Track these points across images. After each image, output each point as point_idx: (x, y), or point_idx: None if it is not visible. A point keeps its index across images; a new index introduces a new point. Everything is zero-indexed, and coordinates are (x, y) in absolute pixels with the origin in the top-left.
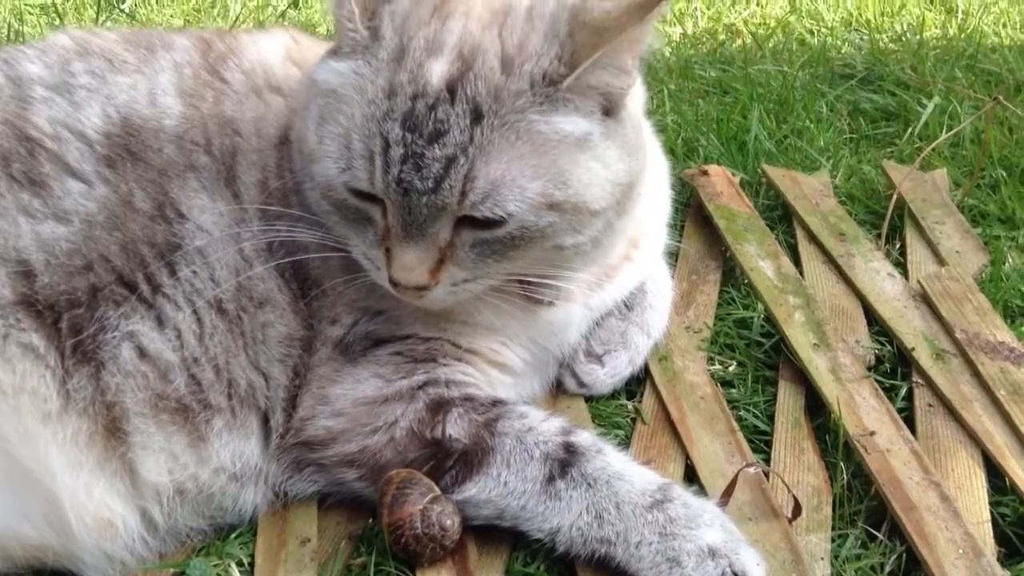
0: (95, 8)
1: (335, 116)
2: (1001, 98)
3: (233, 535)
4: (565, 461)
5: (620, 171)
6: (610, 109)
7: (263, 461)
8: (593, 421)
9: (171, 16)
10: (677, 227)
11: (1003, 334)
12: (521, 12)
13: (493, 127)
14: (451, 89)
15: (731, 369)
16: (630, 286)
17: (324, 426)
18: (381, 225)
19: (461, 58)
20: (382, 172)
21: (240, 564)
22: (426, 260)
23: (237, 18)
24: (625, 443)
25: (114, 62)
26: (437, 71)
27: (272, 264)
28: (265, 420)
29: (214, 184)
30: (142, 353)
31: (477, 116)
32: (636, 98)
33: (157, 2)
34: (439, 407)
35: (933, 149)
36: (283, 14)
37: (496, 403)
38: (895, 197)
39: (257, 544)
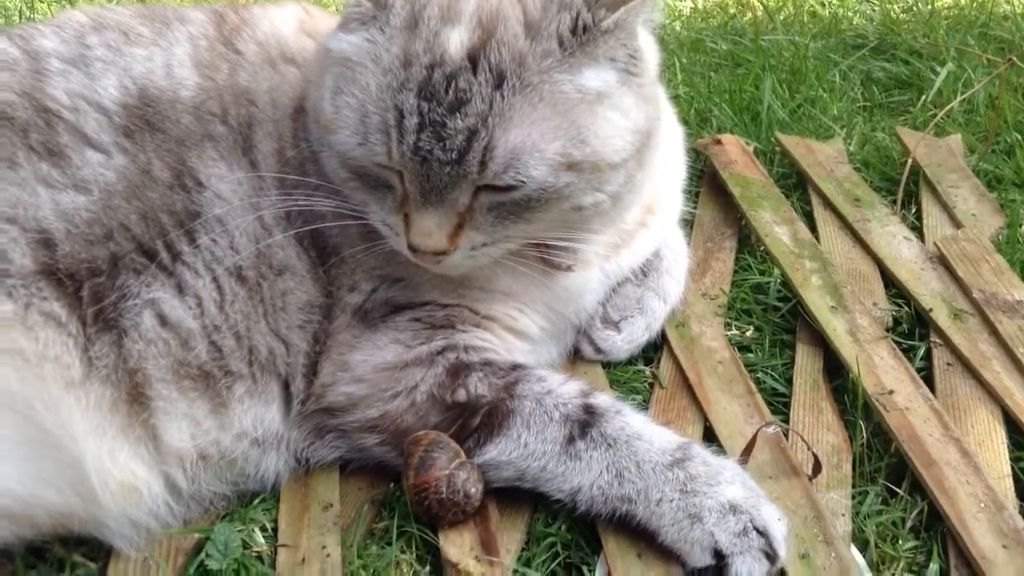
0: None
1: (350, 87)
2: (1015, 59)
3: (256, 501)
4: (585, 422)
5: (638, 118)
6: (634, 50)
7: (284, 427)
8: (611, 387)
9: None
10: (692, 196)
11: (1021, 293)
12: None
13: (515, 92)
14: (472, 58)
15: (748, 334)
16: (646, 252)
17: (345, 392)
18: (400, 191)
19: (481, 26)
20: (397, 144)
21: (264, 529)
22: (445, 225)
23: None
24: (643, 407)
25: (129, 35)
26: (456, 40)
27: (291, 232)
28: (286, 386)
29: (232, 153)
30: (163, 320)
31: (499, 83)
32: (650, 50)
33: None
34: (459, 371)
35: (948, 115)
36: None
37: (515, 367)
38: (910, 162)
39: (280, 510)
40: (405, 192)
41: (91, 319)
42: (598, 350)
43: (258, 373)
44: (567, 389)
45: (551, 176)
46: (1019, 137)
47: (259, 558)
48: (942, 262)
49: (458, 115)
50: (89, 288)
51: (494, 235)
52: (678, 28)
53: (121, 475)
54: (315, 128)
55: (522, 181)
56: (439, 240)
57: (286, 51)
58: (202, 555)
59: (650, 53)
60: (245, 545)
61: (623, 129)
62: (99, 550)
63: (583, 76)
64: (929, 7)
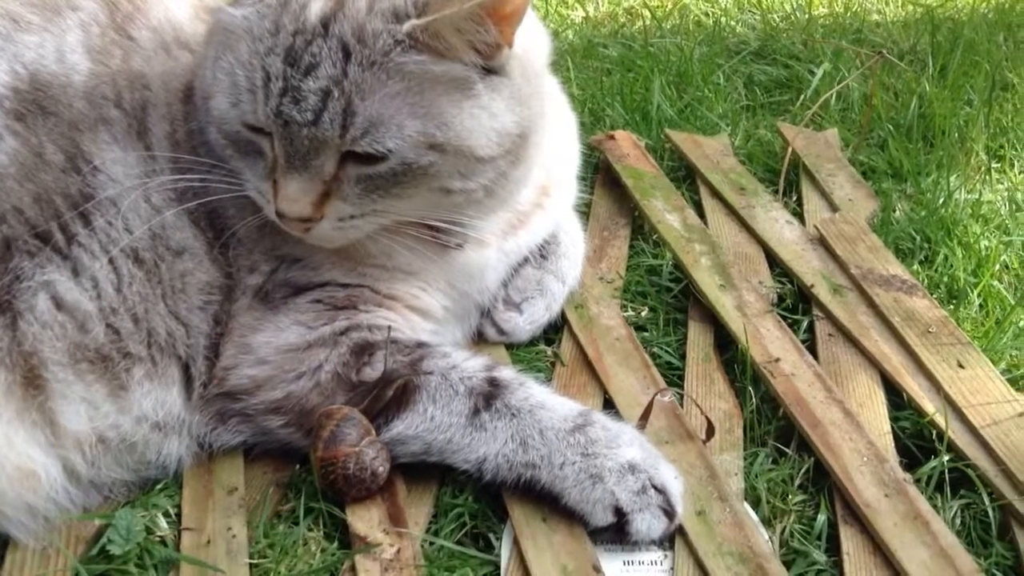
0: None
1: (227, 54)
2: (885, 52)
3: (159, 487)
4: (490, 394)
5: (508, 122)
6: (489, 59)
7: (186, 411)
8: (514, 366)
9: None
10: (588, 188)
11: (895, 268)
12: None
13: (363, 65)
14: (325, 24)
15: (644, 314)
16: (543, 233)
17: (248, 374)
18: (270, 157)
19: None
20: (263, 104)
21: (167, 515)
22: (310, 192)
23: None
24: (547, 385)
25: (19, 22)
26: (315, 8)
27: (184, 211)
28: (187, 369)
29: (126, 137)
30: (59, 303)
31: (347, 52)
32: (532, 47)
33: None
34: (363, 350)
35: (825, 112)
36: None
37: (420, 344)
38: (790, 152)
39: (183, 495)
40: (275, 158)
41: None
42: (501, 332)
43: (157, 355)
44: (472, 364)
45: (412, 152)
46: (891, 130)
47: (163, 542)
48: (822, 243)
49: (310, 78)
50: None
51: (362, 207)
52: (571, 36)
53: (18, 459)
54: (199, 101)
55: (380, 151)
56: (304, 207)
57: (180, 36)
58: (103, 540)
59: (533, 48)
60: (148, 531)
61: (490, 129)
62: None
63: (423, 61)
64: (806, 15)
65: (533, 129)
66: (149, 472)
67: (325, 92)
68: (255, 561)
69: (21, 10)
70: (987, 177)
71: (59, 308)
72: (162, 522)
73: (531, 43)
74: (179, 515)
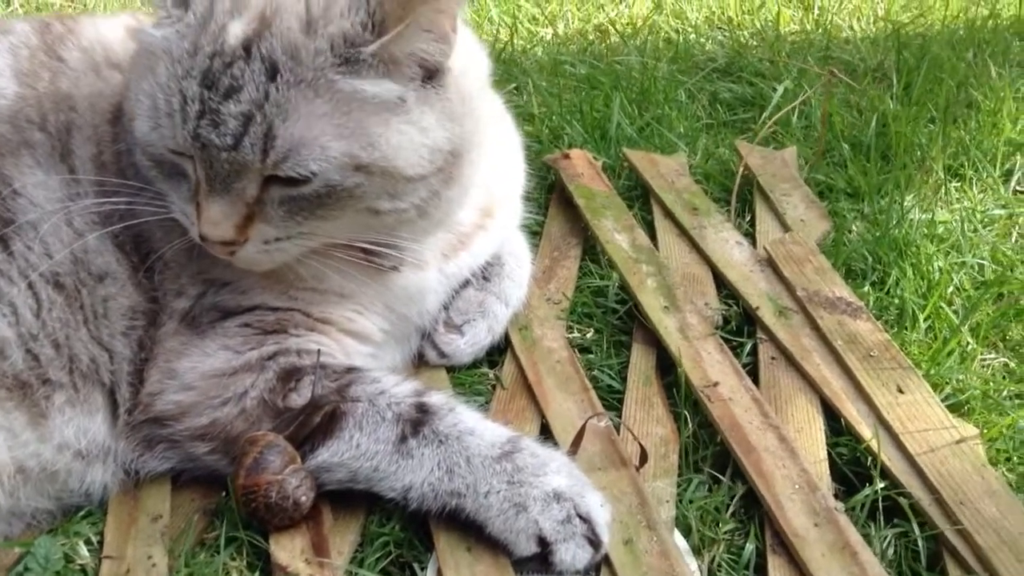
0: None
1: (148, 76)
2: (835, 71)
3: (82, 514)
4: (418, 420)
5: (439, 138)
6: (429, 75)
7: (111, 438)
8: (454, 389)
9: None
10: (542, 208)
11: (841, 290)
12: None
13: (290, 85)
14: (247, 47)
15: (588, 335)
16: (485, 255)
17: (173, 400)
18: (193, 180)
19: (261, 18)
20: (181, 128)
21: (88, 543)
22: (232, 215)
23: None
24: (485, 409)
25: None
26: (235, 30)
27: (108, 235)
28: (111, 395)
29: (48, 160)
30: None
31: (273, 74)
32: (468, 66)
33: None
34: (290, 375)
35: (786, 129)
36: None
37: (350, 370)
38: (742, 170)
39: (107, 522)
40: (197, 180)
41: None
42: (441, 354)
43: (79, 382)
44: (401, 389)
45: (336, 174)
46: (850, 150)
47: (83, 571)
48: (770, 264)
49: (231, 102)
50: None
51: (288, 230)
52: (539, 53)
53: None
54: (127, 123)
55: (303, 174)
56: (226, 230)
57: (111, 57)
58: (19, 568)
59: (469, 68)
60: (68, 559)
61: (419, 145)
62: None
63: (361, 83)
64: (775, 33)
65: (467, 148)
66: (72, 500)
67: (247, 116)
68: None
69: None
70: (945, 196)
71: None
72: (83, 550)
73: (468, 61)
74: (101, 542)
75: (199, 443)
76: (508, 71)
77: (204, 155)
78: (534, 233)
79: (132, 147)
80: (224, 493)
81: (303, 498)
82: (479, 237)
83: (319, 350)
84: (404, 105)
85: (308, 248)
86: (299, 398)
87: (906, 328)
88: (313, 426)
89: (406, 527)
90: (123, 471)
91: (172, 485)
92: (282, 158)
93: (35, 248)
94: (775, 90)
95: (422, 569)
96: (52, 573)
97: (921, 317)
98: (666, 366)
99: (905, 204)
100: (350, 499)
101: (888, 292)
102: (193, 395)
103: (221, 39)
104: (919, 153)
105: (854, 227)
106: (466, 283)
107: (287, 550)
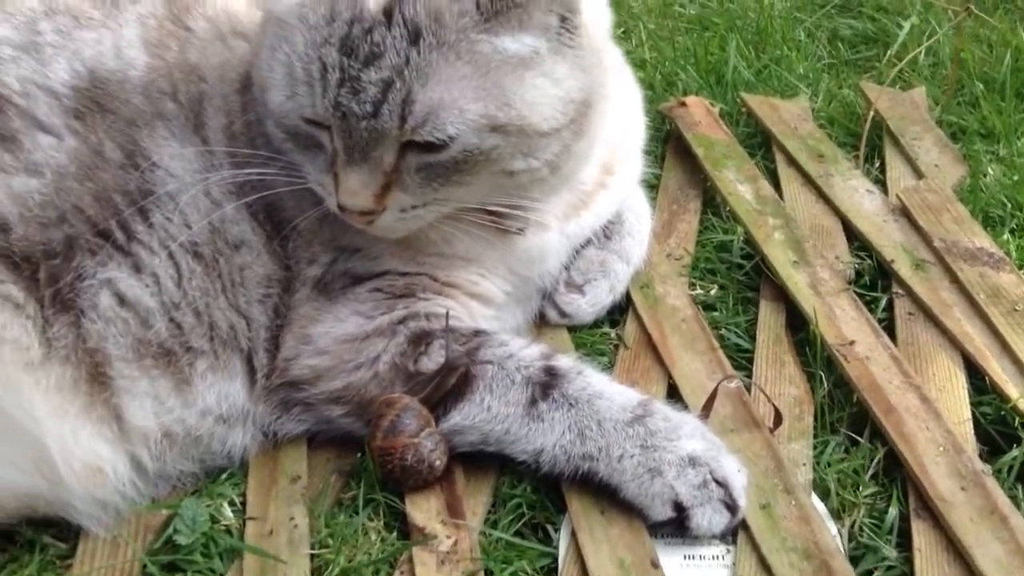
0: None
1: (282, 45)
2: (972, 7)
3: (224, 476)
4: (547, 384)
5: (572, 88)
6: (563, 23)
7: (250, 402)
8: (577, 350)
9: None
10: (658, 159)
11: (981, 240)
12: None
13: (432, 48)
14: (387, 12)
15: (713, 292)
16: (607, 214)
17: (308, 365)
18: (330, 150)
19: None
20: (320, 97)
21: (232, 503)
22: (371, 184)
23: None
24: (609, 369)
25: (80, 19)
26: None
27: (243, 205)
28: (249, 361)
29: (183, 131)
30: (121, 300)
31: (415, 38)
32: (595, 15)
33: None
34: (420, 339)
35: (913, 69)
36: None
37: (477, 333)
38: (871, 115)
39: (248, 483)
40: (334, 151)
41: (48, 301)
42: (563, 314)
43: (219, 348)
44: (529, 352)
45: (474, 136)
46: (983, 88)
47: (228, 531)
48: (904, 213)
49: (372, 68)
50: (45, 270)
51: (424, 197)
52: None
53: (85, 456)
54: (257, 93)
55: (442, 139)
56: (366, 200)
57: (236, 26)
58: (170, 530)
59: (595, 19)
60: (213, 520)
61: (553, 97)
62: (68, 531)
63: (504, 39)
64: None
65: (596, 98)
66: (215, 462)
67: (386, 82)
68: (316, 551)
69: (83, 6)
70: None
71: (121, 304)
72: (227, 511)
73: (594, 11)
74: (244, 503)
75: (334, 406)
76: (616, 15)
77: (343, 124)
78: (651, 187)
79: (263, 118)
80: (359, 454)
81: (437, 461)
82: (600, 196)
83: (447, 312)
84: (538, 57)
85: (441, 214)
86: (429, 362)
87: None
88: (447, 389)
89: (537, 489)
90: (262, 433)
91: (308, 446)
92: (420, 123)
93: (174, 219)
94: (900, 26)
95: (556, 531)
96: (199, 534)
97: None
98: (796, 323)
99: None
100: (481, 461)
101: None
102: (327, 359)
103: (360, 4)
104: None
105: (990, 171)
106: (587, 242)
107: (423, 511)
